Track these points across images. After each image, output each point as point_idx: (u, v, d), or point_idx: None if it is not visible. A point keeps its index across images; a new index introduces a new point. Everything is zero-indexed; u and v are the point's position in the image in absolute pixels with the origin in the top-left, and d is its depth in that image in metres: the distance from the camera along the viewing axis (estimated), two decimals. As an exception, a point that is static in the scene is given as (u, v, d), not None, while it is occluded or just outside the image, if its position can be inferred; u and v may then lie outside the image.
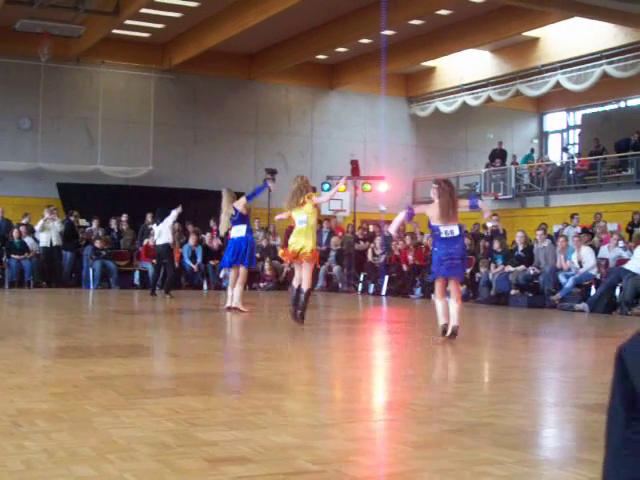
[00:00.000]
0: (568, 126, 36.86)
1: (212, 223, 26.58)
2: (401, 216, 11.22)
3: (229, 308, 15.20)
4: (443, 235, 10.61)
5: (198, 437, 4.43)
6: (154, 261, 21.76)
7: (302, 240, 12.51)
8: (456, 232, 10.66)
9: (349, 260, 25.91)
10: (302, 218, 12.61)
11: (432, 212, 10.74)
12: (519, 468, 4.00)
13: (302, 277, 12.56)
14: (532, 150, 35.15)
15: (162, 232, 19.75)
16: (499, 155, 32.47)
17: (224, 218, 15.51)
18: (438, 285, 10.79)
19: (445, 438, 4.62)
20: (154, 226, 20.62)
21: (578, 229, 23.23)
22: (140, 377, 6.71)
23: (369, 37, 27.96)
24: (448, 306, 10.63)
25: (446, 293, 10.81)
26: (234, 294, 15.17)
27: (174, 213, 19.50)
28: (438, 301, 10.78)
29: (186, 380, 6.78)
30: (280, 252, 13.56)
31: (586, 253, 19.11)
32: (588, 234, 21.62)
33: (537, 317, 16.84)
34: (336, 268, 25.61)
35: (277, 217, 14.65)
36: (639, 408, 1.06)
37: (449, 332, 10.44)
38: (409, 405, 5.77)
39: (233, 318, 14.23)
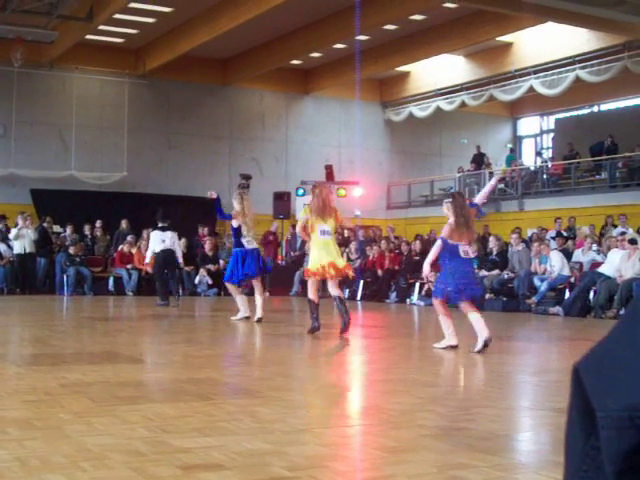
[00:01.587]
0: (542, 130, 37.07)
1: (200, 229, 26.53)
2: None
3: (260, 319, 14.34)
4: (462, 255, 10.10)
5: (171, 444, 4.40)
6: (147, 268, 21.18)
7: (332, 252, 12.11)
8: (471, 254, 10.30)
9: (324, 265, 25.87)
10: (326, 229, 11.99)
11: (449, 230, 10.14)
12: (494, 472, 4.01)
13: (334, 288, 12.21)
14: (512, 150, 35.38)
15: (168, 240, 18.94)
16: (478, 159, 32.58)
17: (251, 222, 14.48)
18: (442, 303, 10.29)
19: (420, 443, 4.62)
20: (153, 232, 19.43)
21: (552, 233, 23.41)
22: (113, 384, 6.67)
23: (343, 42, 28.00)
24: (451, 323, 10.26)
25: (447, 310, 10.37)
26: (260, 304, 14.37)
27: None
28: (447, 318, 10.24)
29: (160, 387, 6.76)
30: (311, 270, 12.15)
31: (554, 257, 19.21)
32: (562, 238, 21.75)
33: (512, 321, 16.89)
34: (311, 273, 25.56)
35: (298, 228, 12.98)
36: (596, 423, 1.06)
37: (480, 346, 9.93)
38: (384, 410, 5.76)
39: (208, 324, 14.18)
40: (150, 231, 19.28)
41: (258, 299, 14.45)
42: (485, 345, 9.91)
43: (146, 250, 20.10)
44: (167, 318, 15.80)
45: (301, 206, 29.89)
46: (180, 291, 24.43)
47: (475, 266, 10.40)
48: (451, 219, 10.14)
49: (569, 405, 1.11)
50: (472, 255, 10.34)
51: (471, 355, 9.80)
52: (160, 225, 18.87)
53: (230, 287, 14.91)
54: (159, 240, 18.83)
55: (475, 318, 10.14)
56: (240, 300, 14.70)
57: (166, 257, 18.91)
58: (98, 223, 26.15)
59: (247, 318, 14.47)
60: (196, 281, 24.61)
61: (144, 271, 22.68)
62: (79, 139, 29.44)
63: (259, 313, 14.21)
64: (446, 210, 10.30)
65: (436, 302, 10.37)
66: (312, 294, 12.14)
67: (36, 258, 23.90)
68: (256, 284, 14.64)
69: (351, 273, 12.69)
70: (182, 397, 6.09)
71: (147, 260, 19.42)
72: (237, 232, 14.30)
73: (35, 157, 28.69)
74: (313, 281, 12.20)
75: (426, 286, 21.92)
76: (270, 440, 4.58)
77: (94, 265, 24.79)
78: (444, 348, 10.18)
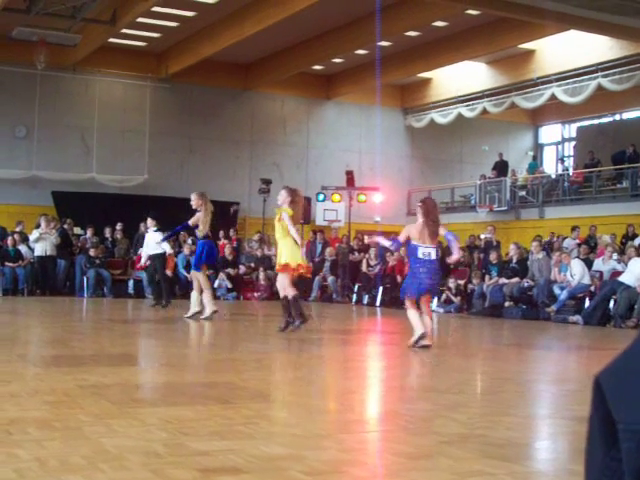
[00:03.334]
0: (563, 138, 36.96)
1: (232, 232, 26.73)
2: (388, 243, 11.89)
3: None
4: (420, 256, 10.82)
5: (190, 447, 4.42)
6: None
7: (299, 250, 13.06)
8: (433, 255, 10.88)
9: (343, 271, 25.91)
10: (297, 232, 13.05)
11: (414, 231, 10.96)
12: (511, 480, 4.00)
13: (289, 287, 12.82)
14: (534, 157, 35.50)
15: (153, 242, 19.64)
16: (500, 166, 32.53)
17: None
18: (411, 303, 10.97)
19: (437, 449, 4.62)
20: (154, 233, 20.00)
21: (577, 241, 23.37)
22: (132, 386, 6.70)
23: (365, 48, 28.02)
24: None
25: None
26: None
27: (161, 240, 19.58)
28: (414, 312, 10.87)
29: (178, 389, 6.77)
30: (291, 265, 12.90)
31: (575, 265, 19.14)
32: (588, 247, 21.68)
33: (531, 329, 16.84)
34: (330, 278, 25.61)
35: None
36: (617, 435, 1.06)
37: (426, 342, 10.72)
38: (402, 416, 5.76)
39: (226, 327, 14.20)
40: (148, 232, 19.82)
41: (205, 296, 15.52)
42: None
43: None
44: (185, 321, 15.83)
45: (321, 211, 29.97)
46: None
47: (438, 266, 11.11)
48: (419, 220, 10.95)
49: (590, 416, 1.11)
50: (433, 257, 10.89)
51: (489, 362, 9.79)
52: (155, 229, 19.45)
53: (202, 276, 15.66)
54: (156, 243, 19.45)
55: (427, 320, 10.87)
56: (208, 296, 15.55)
57: (164, 260, 19.92)
58: (118, 226, 26.21)
59: (199, 313, 15.45)
60: (215, 285, 24.63)
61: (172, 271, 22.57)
62: (101, 142, 29.57)
63: (212, 308, 15.45)
64: (417, 213, 11.21)
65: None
66: (293, 290, 12.83)
67: (56, 260, 23.99)
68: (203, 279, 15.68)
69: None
70: (200, 400, 6.11)
71: (143, 262, 20.13)
72: (196, 227, 15.44)
73: (57, 159, 28.84)
74: (288, 276, 12.84)
75: (444, 294, 21.90)
76: (288, 444, 4.59)
77: (114, 267, 24.85)
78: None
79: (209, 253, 15.56)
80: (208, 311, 15.36)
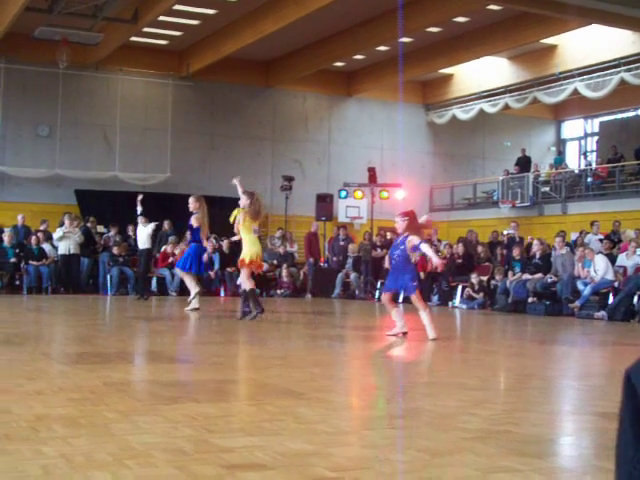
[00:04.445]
0: (586, 133, 36.79)
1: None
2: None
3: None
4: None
5: (215, 443, 4.43)
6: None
7: (260, 248, 14.82)
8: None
9: (366, 267, 25.90)
10: (256, 228, 15.15)
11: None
12: (537, 476, 3.99)
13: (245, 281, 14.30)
14: (559, 152, 35.39)
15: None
16: (523, 162, 32.41)
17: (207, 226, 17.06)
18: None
19: (462, 446, 4.61)
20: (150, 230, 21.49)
21: (600, 236, 23.23)
22: (156, 383, 6.72)
23: (386, 44, 27.99)
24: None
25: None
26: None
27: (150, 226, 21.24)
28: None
29: (203, 386, 6.79)
30: (246, 261, 14.29)
31: (599, 261, 19.06)
32: (610, 242, 21.59)
33: (555, 325, 16.78)
34: (353, 275, 25.63)
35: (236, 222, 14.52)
36: None
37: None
38: (426, 412, 5.76)
39: (248, 324, 14.22)
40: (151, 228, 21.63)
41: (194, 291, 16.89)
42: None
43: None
44: (208, 318, 15.88)
45: (344, 208, 29.97)
46: (223, 291, 24.72)
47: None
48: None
49: (620, 411, 1.10)
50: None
51: (513, 358, 9.77)
52: (145, 225, 21.34)
53: (187, 276, 16.96)
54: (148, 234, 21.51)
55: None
56: (195, 292, 16.79)
57: (148, 257, 22.09)
58: (141, 224, 26.30)
59: (198, 309, 16.59)
60: (238, 282, 24.67)
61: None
62: (123, 140, 29.68)
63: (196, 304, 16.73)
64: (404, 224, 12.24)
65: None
66: (250, 284, 14.26)
67: (80, 258, 24.10)
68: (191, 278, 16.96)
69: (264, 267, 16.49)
70: (225, 397, 6.12)
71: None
72: (197, 230, 16.69)
73: (80, 158, 28.97)
74: (247, 271, 14.32)
75: (467, 290, 21.86)
76: (313, 441, 4.59)
77: (137, 265, 24.90)
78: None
79: (197, 259, 16.78)
80: (191, 306, 16.67)
